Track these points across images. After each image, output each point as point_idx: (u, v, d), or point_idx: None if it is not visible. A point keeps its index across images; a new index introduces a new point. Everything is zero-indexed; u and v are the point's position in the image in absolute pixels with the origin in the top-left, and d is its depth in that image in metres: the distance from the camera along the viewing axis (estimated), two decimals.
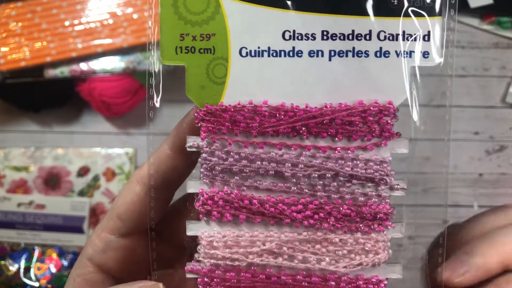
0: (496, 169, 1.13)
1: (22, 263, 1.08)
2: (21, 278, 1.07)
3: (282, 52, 0.36)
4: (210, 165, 0.36)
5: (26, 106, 1.12)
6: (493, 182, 1.12)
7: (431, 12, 0.35)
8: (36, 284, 1.07)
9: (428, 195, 0.96)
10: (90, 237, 0.40)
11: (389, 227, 0.37)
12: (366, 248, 0.37)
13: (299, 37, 0.36)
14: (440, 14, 0.35)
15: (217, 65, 0.36)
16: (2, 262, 1.08)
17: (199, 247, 0.37)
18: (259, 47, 0.36)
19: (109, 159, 1.14)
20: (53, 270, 1.08)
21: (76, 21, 1.04)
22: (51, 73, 1.03)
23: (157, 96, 0.38)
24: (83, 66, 1.03)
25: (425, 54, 0.36)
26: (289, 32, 0.36)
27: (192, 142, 0.37)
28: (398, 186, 0.37)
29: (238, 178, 0.37)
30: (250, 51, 0.36)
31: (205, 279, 0.36)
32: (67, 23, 1.04)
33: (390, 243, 0.38)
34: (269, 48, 0.36)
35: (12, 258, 1.09)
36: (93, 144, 1.15)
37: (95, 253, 0.40)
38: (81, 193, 1.13)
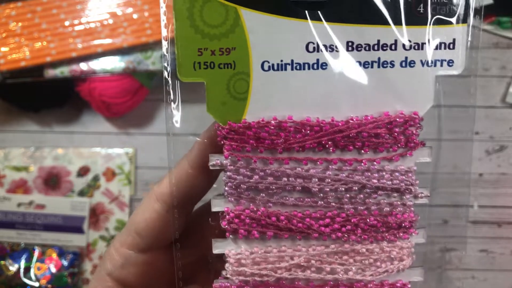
0: (496, 169, 1.13)
1: (22, 263, 1.08)
2: (21, 278, 1.08)
3: (306, 65, 0.34)
4: (235, 183, 0.35)
5: (26, 106, 1.12)
6: (493, 182, 1.13)
7: (456, 20, 0.35)
8: (36, 284, 1.07)
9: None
10: (108, 251, 0.40)
11: (413, 234, 0.37)
12: (392, 256, 0.37)
13: (323, 49, 0.34)
14: (465, 21, 0.35)
15: (238, 80, 0.34)
16: (2, 262, 1.08)
17: (227, 265, 0.36)
18: (282, 61, 0.34)
19: (109, 159, 1.14)
20: (53, 270, 1.08)
21: (76, 21, 1.04)
22: (51, 73, 1.02)
23: (178, 114, 0.36)
24: (83, 66, 1.03)
25: (450, 63, 0.35)
26: (313, 44, 0.34)
27: (215, 160, 0.35)
28: (422, 195, 0.37)
29: (264, 195, 0.36)
30: (273, 64, 0.34)
31: None
32: (67, 23, 1.03)
33: None
34: (292, 61, 0.34)
35: (12, 258, 1.09)
36: (93, 144, 1.15)
37: (114, 268, 0.39)
38: (81, 193, 1.13)
